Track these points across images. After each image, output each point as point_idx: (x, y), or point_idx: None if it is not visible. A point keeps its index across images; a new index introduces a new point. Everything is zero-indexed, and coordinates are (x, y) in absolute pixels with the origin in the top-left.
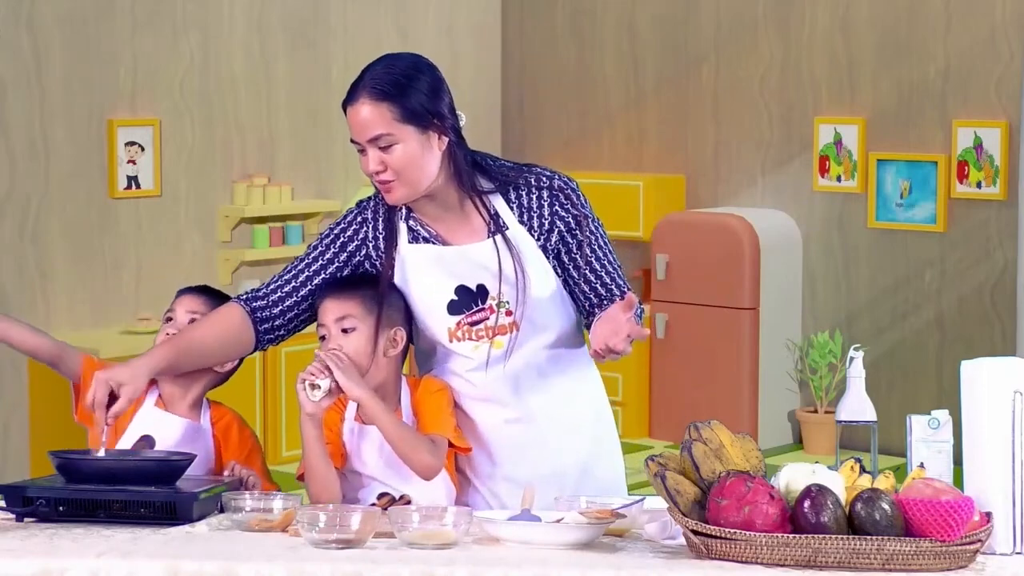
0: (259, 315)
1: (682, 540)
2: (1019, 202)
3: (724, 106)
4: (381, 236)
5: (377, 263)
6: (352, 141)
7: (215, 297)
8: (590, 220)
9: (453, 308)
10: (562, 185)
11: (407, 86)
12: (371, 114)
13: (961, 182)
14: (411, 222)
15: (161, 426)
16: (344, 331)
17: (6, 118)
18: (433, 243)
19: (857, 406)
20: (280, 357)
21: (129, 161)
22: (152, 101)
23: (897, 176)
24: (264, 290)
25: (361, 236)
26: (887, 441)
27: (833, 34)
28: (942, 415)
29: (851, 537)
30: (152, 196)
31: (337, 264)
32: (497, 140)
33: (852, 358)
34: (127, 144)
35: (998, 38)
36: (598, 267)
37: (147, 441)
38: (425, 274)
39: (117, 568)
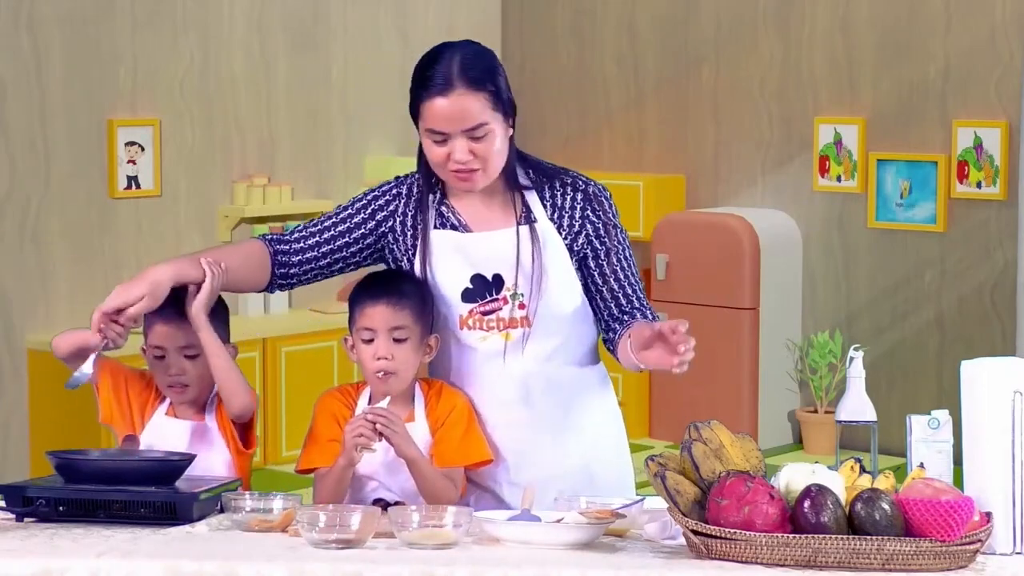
0: (278, 258)
1: (682, 540)
2: (1019, 202)
3: (724, 106)
4: (410, 215)
5: (400, 239)
6: (431, 130)
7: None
8: (619, 231)
9: (467, 296)
10: (596, 191)
11: (496, 74)
12: (470, 103)
13: (961, 182)
14: (443, 208)
15: (168, 432)
16: (396, 340)
17: (6, 118)
18: (458, 230)
19: (857, 406)
20: (280, 357)
21: (129, 161)
22: (152, 101)
23: (897, 176)
24: (287, 236)
25: (391, 208)
26: (887, 441)
27: (833, 34)
28: (942, 415)
29: (851, 537)
30: (152, 196)
31: (363, 230)
32: None
33: (852, 358)
34: (127, 144)
35: (998, 38)
36: (622, 277)
37: (133, 441)
38: (444, 260)
39: (117, 568)
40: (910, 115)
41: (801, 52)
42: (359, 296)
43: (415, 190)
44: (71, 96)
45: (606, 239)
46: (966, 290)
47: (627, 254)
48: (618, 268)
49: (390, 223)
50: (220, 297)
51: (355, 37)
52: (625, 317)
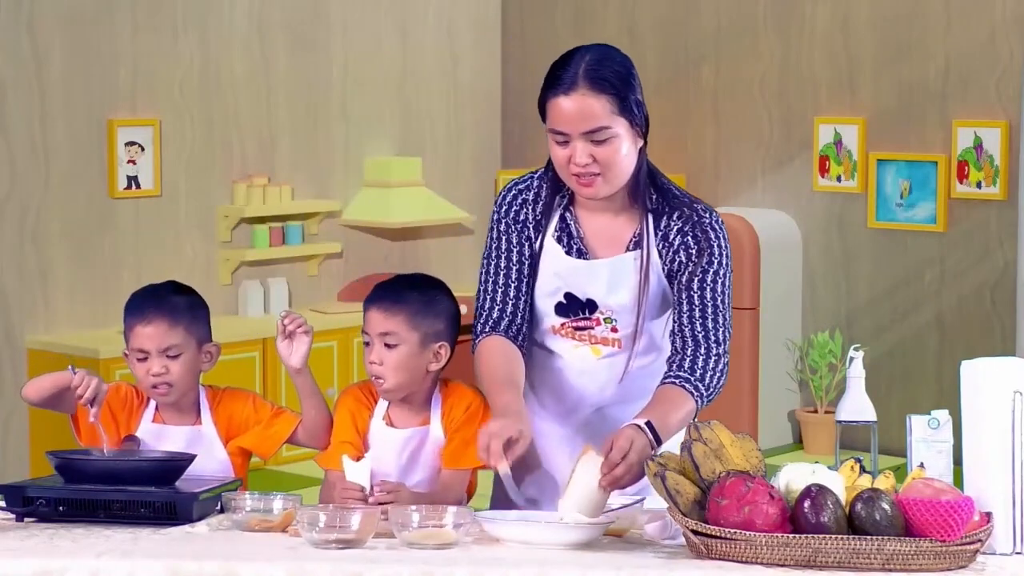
0: (511, 334)
1: (682, 540)
2: (1019, 202)
3: (724, 106)
4: (539, 210)
5: (529, 240)
6: (553, 130)
7: (169, 311)
8: (717, 265)
9: (560, 310)
10: (714, 224)
11: (627, 80)
12: (592, 104)
13: (961, 182)
14: (567, 214)
15: (162, 440)
16: (387, 346)
17: (6, 118)
18: (565, 250)
19: (857, 406)
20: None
21: (129, 161)
22: (152, 101)
23: (897, 176)
24: (498, 314)
25: (521, 218)
26: (887, 441)
27: (833, 34)
28: (942, 415)
29: (851, 537)
30: (152, 196)
31: (519, 250)
32: (497, 140)
33: (852, 358)
34: (127, 144)
35: (998, 38)
36: (696, 306)
37: (134, 441)
38: (545, 271)
39: (117, 568)
40: (910, 115)
41: (801, 52)
42: (366, 299)
43: (543, 192)
44: (71, 96)
45: (693, 266)
46: (966, 290)
47: (715, 292)
48: (696, 296)
49: (525, 233)
50: (199, 295)
51: (355, 37)
52: (680, 352)
